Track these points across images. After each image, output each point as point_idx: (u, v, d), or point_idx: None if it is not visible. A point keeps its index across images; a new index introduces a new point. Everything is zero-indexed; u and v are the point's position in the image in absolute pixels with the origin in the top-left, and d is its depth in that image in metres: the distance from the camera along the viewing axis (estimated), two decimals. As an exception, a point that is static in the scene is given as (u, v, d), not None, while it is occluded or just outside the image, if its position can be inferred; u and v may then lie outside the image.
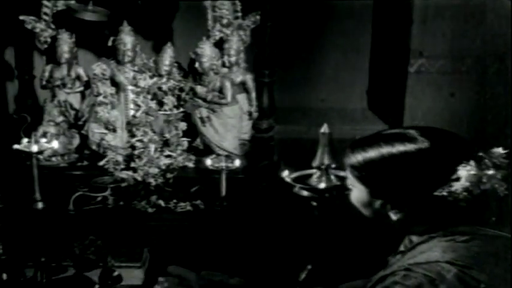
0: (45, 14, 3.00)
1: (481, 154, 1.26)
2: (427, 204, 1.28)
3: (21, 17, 2.94)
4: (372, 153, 1.32)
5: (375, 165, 1.32)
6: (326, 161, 2.13)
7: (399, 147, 1.29)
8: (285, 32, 3.11)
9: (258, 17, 2.92)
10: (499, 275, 1.20)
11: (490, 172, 1.25)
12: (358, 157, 1.35)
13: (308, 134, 2.31)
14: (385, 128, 2.63)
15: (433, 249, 1.25)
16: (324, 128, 2.13)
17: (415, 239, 1.34)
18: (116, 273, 2.10)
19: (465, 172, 1.24)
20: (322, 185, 2.10)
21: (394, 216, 1.33)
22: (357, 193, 1.39)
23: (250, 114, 3.06)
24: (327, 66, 3.41)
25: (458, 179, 1.24)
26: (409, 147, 1.29)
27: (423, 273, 1.20)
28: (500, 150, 1.27)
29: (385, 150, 1.31)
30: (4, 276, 2.12)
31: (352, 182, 1.39)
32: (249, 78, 3.02)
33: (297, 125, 3.20)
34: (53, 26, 3.01)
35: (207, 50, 2.92)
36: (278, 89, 3.11)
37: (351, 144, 1.40)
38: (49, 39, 3.02)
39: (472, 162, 1.24)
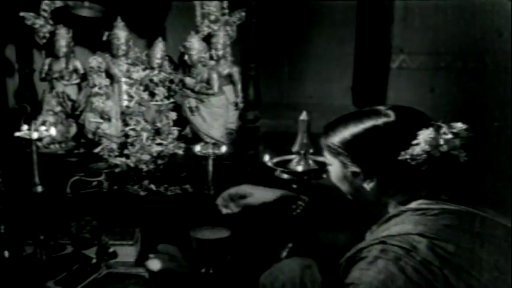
0: (44, 10, 2.99)
1: (439, 123, 1.32)
2: (394, 169, 1.33)
3: (21, 14, 2.93)
4: (345, 132, 1.40)
5: (348, 140, 1.39)
6: (304, 147, 2.17)
7: (369, 122, 1.37)
8: (271, 28, 3.10)
9: (243, 14, 2.92)
10: (464, 246, 1.22)
11: (448, 136, 1.29)
12: (332, 137, 1.42)
13: (294, 128, 2.33)
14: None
15: (405, 222, 1.30)
16: (303, 116, 2.18)
17: (389, 212, 1.39)
18: (111, 250, 2.13)
19: (424, 136, 1.29)
20: (300, 168, 2.15)
21: (367, 186, 1.40)
22: (334, 169, 1.46)
23: (236, 104, 3.07)
24: (313, 63, 3.40)
25: (418, 144, 1.30)
26: (377, 121, 1.36)
27: (398, 245, 1.23)
28: (460, 124, 1.32)
29: (357, 127, 1.38)
30: (6, 253, 2.14)
31: (329, 159, 1.45)
32: (235, 71, 3.04)
33: (284, 119, 3.19)
34: (51, 22, 3.00)
35: (195, 44, 2.92)
36: (266, 84, 3.10)
37: (325, 125, 1.46)
38: (48, 35, 3.01)
39: (431, 129, 1.30)
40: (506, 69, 3.08)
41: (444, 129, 1.31)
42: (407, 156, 1.30)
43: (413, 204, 1.34)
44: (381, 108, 1.39)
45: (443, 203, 1.32)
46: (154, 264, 1.64)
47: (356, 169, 1.41)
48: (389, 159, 1.33)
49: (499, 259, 1.22)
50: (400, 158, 1.31)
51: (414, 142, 1.30)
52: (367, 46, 3.31)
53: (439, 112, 1.39)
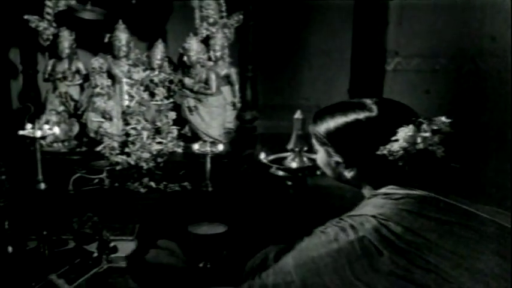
0: (48, 13, 3.01)
1: (420, 120, 1.33)
2: (372, 162, 1.36)
3: (25, 17, 2.96)
4: (330, 122, 1.42)
5: (331, 131, 1.42)
6: (299, 144, 2.20)
7: (352, 116, 1.38)
8: (268, 31, 3.13)
9: (241, 17, 2.96)
10: (416, 229, 1.24)
11: (426, 134, 1.31)
12: (319, 126, 1.45)
13: (291, 129, 2.35)
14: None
15: (368, 205, 1.34)
16: (298, 114, 2.20)
17: (365, 196, 1.43)
18: (112, 245, 2.15)
19: (403, 134, 1.31)
20: (295, 165, 2.17)
21: (347, 174, 1.44)
22: (320, 156, 1.50)
23: (233, 104, 3.11)
24: (311, 66, 3.41)
25: (397, 140, 1.31)
26: (360, 115, 1.37)
27: (350, 222, 1.28)
28: (443, 118, 1.35)
29: (340, 119, 1.40)
30: (9, 248, 2.17)
31: (315, 146, 1.49)
32: (233, 72, 3.07)
33: (281, 121, 3.19)
34: (54, 25, 3.03)
35: (193, 45, 2.96)
36: (264, 86, 3.14)
37: (314, 114, 1.50)
38: (51, 37, 3.04)
39: (411, 126, 1.31)
40: (499, 72, 3.11)
41: (424, 126, 1.32)
42: (385, 152, 1.32)
43: (383, 189, 1.37)
44: (367, 101, 1.40)
45: (410, 189, 1.33)
46: (153, 258, 1.67)
47: (338, 159, 1.44)
48: (368, 152, 1.35)
49: (460, 247, 1.22)
50: (378, 152, 1.33)
51: (393, 138, 1.32)
52: (363, 49, 3.31)
53: (434, 114, 1.41)
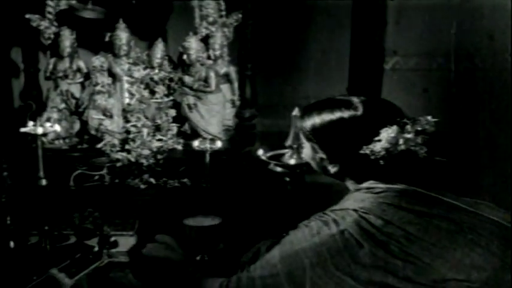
0: (49, 12, 3.03)
1: (405, 120, 1.34)
2: (354, 160, 1.38)
3: (27, 16, 2.97)
4: (316, 119, 1.44)
5: (316, 128, 1.44)
6: (297, 141, 2.20)
7: (336, 114, 1.40)
8: (267, 30, 3.13)
9: (240, 16, 2.97)
10: (396, 222, 1.26)
11: (408, 136, 1.32)
12: (306, 121, 1.47)
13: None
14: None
15: (350, 199, 1.37)
16: (295, 111, 2.21)
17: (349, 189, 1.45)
18: (112, 239, 2.16)
19: (386, 134, 1.32)
20: (293, 162, 2.18)
21: (331, 169, 1.47)
22: (306, 149, 1.53)
23: (232, 102, 3.11)
24: (310, 65, 3.40)
25: (380, 141, 1.33)
26: (345, 113, 1.39)
27: (332, 217, 1.30)
28: (429, 118, 1.35)
29: (326, 116, 1.42)
30: (11, 243, 2.18)
31: (302, 140, 1.52)
32: (232, 70, 3.08)
33: (281, 120, 3.19)
34: (56, 24, 3.04)
35: (193, 44, 2.97)
36: (263, 85, 3.14)
37: (303, 108, 1.53)
38: (52, 36, 3.05)
39: (394, 127, 1.32)
40: (497, 71, 3.12)
41: (408, 127, 1.33)
42: (368, 152, 1.34)
43: (366, 184, 1.39)
44: (355, 100, 1.41)
45: (392, 183, 1.35)
46: (151, 252, 1.70)
47: (322, 155, 1.46)
48: (351, 151, 1.37)
49: (441, 239, 1.24)
50: (361, 151, 1.34)
51: (376, 138, 1.33)
52: (362, 48, 3.31)
53: (432, 112, 1.41)
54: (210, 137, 2.92)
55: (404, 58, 3.22)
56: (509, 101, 3.04)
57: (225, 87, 3.10)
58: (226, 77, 3.10)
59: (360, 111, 1.38)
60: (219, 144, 2.65)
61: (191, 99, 3.03)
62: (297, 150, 2.22)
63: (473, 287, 1.20)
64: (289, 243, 1.33)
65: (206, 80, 3.00)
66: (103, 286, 1.97)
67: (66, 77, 3.07)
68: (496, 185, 3.11)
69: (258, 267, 1.35)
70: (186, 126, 3.07)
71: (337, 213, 1.32)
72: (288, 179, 2.21)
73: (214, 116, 3.04)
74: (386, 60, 3.23)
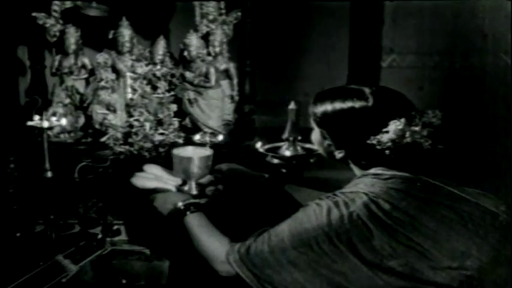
0: (55, 11, 3.06)
1: (413, 113, 1.36)
2: (361, 148, 1.41)
3: (33, 14, 3.00)
4: (328, 106, 1.46)
5: (327, 115, 1.46)
6: (293, 134, 2.24)
7: (348, 103, 1.42)
8: (266, 28, 3.16)
9: (239, 14, 3.01)
10: (402, 207, 1.29)
11: (416, 128, 1.34)
12: (318, 107, 1.49)
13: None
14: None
15: (360, 183, 1.39)
16: (292, 105, 2.25)
17: (356, 175, 1.48)
18: (115, 228, 2.21)
19: (394, 126, 1.34)
20: (289, 154, 2.22)
21: (337, 155, 1.50)
22: (314, 133, 1.56)
23: (232, 97, 3.14)
24: (309, 62, 3.43)
25: (387, 132, 1.35)
26: (356, 104, 1.41)
27: (343, 198, 1.33)
28: (437, 111, 1.38)
29: (337, 104, 1.44)
30: (18, 234, 2.22)
31: (312, 124, 1.54)
32: (231, 66, 3.11)
33: (280, 116, 3.22)
34: (61, 22, 3.08)
35: (193, 40, 3.01)
36: (263, 82, 3.17)
37: (315, 95, 1.53)
38: (58, 33, 3.08)
39: (403, 119, 1.34)
40: (491, 68, 3.14)
41: (416, 120, 1.35)
42: (374, 142, 1.36)
43: (372, 170, 1.41)
44: (366, 90, 1.43)
45: (396, 171, 1.38)
46: (139, 181, 1.73)
47: (330, 142, 1.49)
48: (358, 140, 1.39)
49: (442, 227, 1.27)
50: (368, 141, 1.37)
51: (384, 130, 1.35)
52: (359, 46, 3.35)
53: (427, 109, 1.44)
54: (210, 130, 2.95)
55: (400, 56, 3.24)
56: (505, 99, 3.06)
57: (224, 83, 3.13)
58: (226, 73, 3.13)
59: (370, 103, 1.40)
60: (219, 138, 2.68)
61: (192, 94, 3.06)
62: (293, 143, 2.26)
63: (464, 274, 1.23)
64: (299, 219, 1.35)
65: (206, 75, 3.03)
66: (106, 272, 2.01)
67: (71, 73, 3.10)
68: (496, 185, 3.13)
69: (266, 240, 1.36)
70: (187, 121, 3.11)
71: (348, 195, 1.34)
72: (284, 170, 2.25)
73: (214, 110, 3.07)
74: (383, 58, 3.24)
